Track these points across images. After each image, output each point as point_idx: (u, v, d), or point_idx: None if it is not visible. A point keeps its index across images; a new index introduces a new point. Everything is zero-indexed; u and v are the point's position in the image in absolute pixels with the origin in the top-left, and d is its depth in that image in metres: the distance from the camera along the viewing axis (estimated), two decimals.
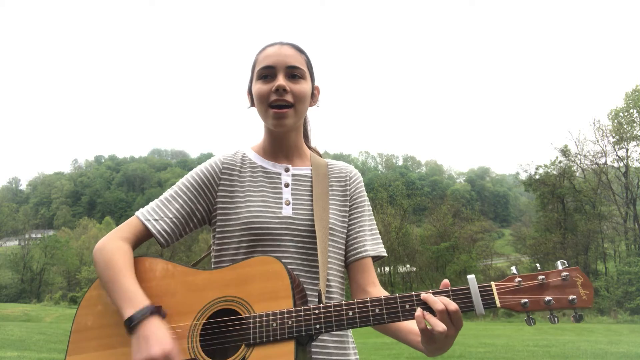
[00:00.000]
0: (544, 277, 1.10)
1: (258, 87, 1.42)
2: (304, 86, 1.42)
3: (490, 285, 1.13)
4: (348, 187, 1.53)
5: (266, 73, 1.41)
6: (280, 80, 1.38)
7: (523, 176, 44.55)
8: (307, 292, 1.32)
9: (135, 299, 1.20)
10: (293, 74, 1.41)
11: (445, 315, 1.11)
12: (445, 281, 1.18)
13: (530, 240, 42.28)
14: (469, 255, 41.99)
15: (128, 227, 1.38)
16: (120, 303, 1.21)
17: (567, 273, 1.10)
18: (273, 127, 1.43)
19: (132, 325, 1.16)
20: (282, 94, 1.38)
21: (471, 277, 1.14)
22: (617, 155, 37.91)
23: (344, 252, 1.48)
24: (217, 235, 1.43)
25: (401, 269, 44.87)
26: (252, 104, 1.50)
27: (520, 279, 1.11)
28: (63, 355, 1.26)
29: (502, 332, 21.21)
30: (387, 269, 43.23)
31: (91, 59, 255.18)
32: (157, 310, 1.20)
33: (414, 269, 44.51)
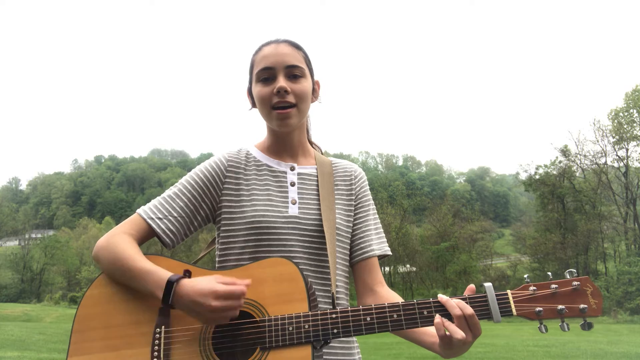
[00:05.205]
0: (557, 286, 1.13)
1: (259, 89, 1.39)
2: (305, 84, 1.40)
3: (506, 294, 1.15)
4: (353, 187, 1.52)
5: (266, 75, 1.39)
6: (281, 82, 1.36)
7: (523, 176, 44.63)
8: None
9: (159, 277, 1.18)
10: (293, 73, 1.39)
11: (463, 321, 1.12)
12: (471, 286, 1.19)
13: (530, 240, 42.29)
14: (469, 255, 42.05)
15: (130, 225, 1.34)
16: (147, 287, 1.19)
17: (577, 282, 1.13)
18: (278, 128, 1.41)
19: (170, 302, 1.15)
20: (283, 95, 1.36)
21: (489, 285, 1.15)
22: (617, 155, 37.99)
23: (348, 253, 1.48)
24: (221, 235, 1.40)
25: (401, 269, 44.91)
26: (254, 106, 1.49)
27: (534, 288, 1.14)
28: (63, 355, 1.23)
29: (502, 332, 21.24)
30: (387, 269, 43.24)
31: (91, 58, 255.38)
32: (182, 276, 1.18)
33: (414, 269, 44.56)
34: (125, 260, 1.23)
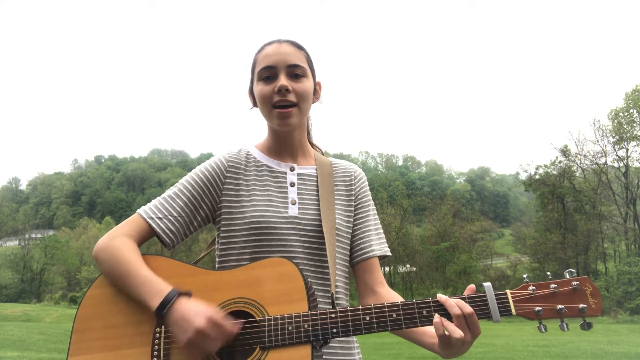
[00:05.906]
0: (556, 285, 1.13)
1: (260, 88, 1.40)
2: (306, 84, 1.41)
3: (506, 293, 1.15)
4: (353, 187, 1.53)
5: (267, 74, 1.39)
6: (282, 80, 1.36)
7: (523, 176, 44.65)
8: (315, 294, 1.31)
9: (159, 287, 1.18)
10: (294, 72, 1.39)
11: (462, 321, 1.12)
12: (471, 286, 1.19)
13: (530, 240, 42.33)
14: (469, 255, 42.04)
15: (130, 225, 1.34)
16: (143, 295, 1.19)
17: (577, 282, 1.13)
18: (278, 127, 1.41)
19: (164, 312, 1.15)
20: (284, 94, 1.36)
21: (488, 285, 1.15)
22: (617, 155, 38.01)
23: (348, 253, 1.48)
24: (221, 235, 1.40)
25: (401, 269, 44.93)
26: (255, 105, 1.49)
27: (534, 287, 1.14)
28: (63, 355, 1.23)
29: (502, 332, 21.25)
30: (387, 269, 43.23)
31: (91, 58, 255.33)
32: (183, 292, 1.19)
33: (414, 269, 44.58)
34: (125, 265, 1.24)
